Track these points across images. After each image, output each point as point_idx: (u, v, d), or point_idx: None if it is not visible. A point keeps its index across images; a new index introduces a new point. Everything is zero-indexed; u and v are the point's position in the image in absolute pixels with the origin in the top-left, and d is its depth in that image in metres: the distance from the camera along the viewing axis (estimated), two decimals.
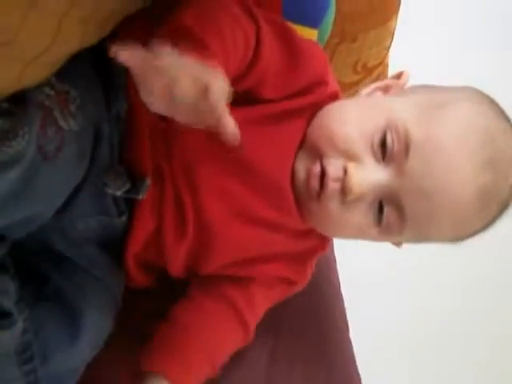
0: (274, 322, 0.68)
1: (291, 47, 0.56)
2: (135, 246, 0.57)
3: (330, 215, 0.57)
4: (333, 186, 0.54)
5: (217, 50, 0.46)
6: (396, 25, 0.80)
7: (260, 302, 0.65)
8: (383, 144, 0.55)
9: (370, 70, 0.80)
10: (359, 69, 0.80)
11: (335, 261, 0.81)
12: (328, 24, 0.66)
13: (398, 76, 0.63)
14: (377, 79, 0.83)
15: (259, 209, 0.58)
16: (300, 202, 0.58)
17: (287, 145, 0.58)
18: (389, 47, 0.81)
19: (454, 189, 0.54)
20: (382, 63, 0.81)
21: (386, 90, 0.62)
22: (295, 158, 0.58)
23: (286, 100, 0.57)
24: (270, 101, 0.57)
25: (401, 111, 0.56)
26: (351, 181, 0.54)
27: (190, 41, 0.45)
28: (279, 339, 0.71)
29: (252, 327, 0.64)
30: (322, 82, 0.59)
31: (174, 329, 0.62)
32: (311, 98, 0.58)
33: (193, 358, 0.60)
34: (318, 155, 0.56)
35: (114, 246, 0.57)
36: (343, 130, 0.56)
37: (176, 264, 0.60)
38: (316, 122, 0.58)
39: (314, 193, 0.56)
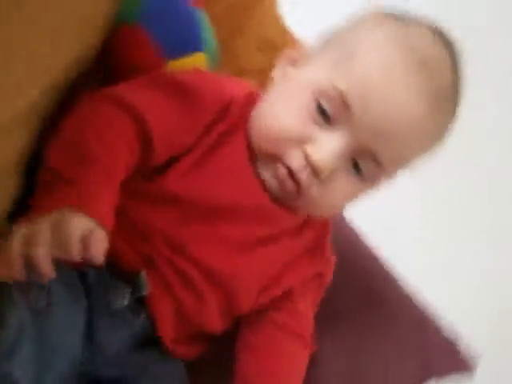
0: (329, 317, 0.68)
1: (181, 94, 0.57)
2: (168, 332, 0.58)
3: (318, 199, 0.57)
4: (304, 176, 0.55)
5: (89, 179, 0.48)
6: None
7: (305, 310, 0.65)
8: (323, 112, 0.55)
9: (279, 47, 0.79)
10: (267, 50, 0.79)
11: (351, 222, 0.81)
12: (210, 40, 0.65)
13: (295, 45, 0.63)
14: None
15: (252, 233, 0.59)
16: (285, 204, 0.59)
17: (238, 165, 0.58)
18: (281, 17, 0.81)
19: (407, 112, 0.54)
20: (287, 36, 0.80)
21: (293, 63, 0.61)
22: (257, 169, 0.58)
23: (206, 135, 0.57)
24: (192, 146, 0.57)
25: (320, 75, 0.56)
26: (316, 161, 0.54)
27: (57, 183, 0.47)
28: (342, 330, 0.71)
29: (309, 337, 0.65)
30: (228, 104, 0.58)
31: None
32: (228, 122, 0.58)
33: None
34: (273, 157, 0.57)
35: (151, 340, 0.58)
36: (278, 122, 0.56)
37: (214, 323, 0.61)
38: (251, 130, 0.59)
39: (294, 192, 0.57)
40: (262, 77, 0.70)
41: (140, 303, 0.56)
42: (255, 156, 0.58)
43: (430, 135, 0.58)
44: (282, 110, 0.57)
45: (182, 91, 0.57)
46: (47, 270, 0.41)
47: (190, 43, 0.63)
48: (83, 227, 0.43)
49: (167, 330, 0.57)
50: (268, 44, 0.79)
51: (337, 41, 0.59)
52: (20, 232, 0.43)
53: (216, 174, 0.57)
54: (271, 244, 0.60)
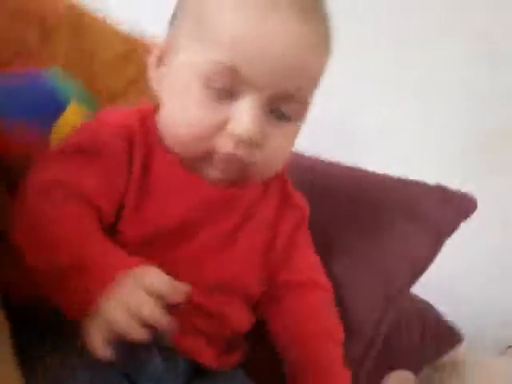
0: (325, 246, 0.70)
1: (90, 153, 0.55)
2: (208, 357, 0.58)
3: (265, 161, 0.58)
4: (242, 151, 0.55)
5: (96, 251, 0.48)
6: None
7: (302, 256, 0.66)
8: (219, 91, 0.54)
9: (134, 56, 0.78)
10: (124, 64, 0.77)
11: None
12: (73, 90, 0.65)
13: (151, 44, 0.61)
14: None
15: (226, 226, 0.59)
16: (239, 182, 0.59)
17: (173, 178, 0.58)
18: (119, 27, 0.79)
19: (290, 41, 0.53)
20: (134, 41, 0.78)
21: (161, 60, 0.59)
22: (198, 171, 0.58)
23: (131, 172, 0.56)
24: (126, 189, 0.56)
25: (194, 58, 0.55)
26: (242, 134, 0.54)
27: (72, 275, 0.46)
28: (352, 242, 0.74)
29: (319, 276, 0.66)
30: (131, 136, 0.57)
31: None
32: (141, 151, 0.57)
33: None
34: (204, 155, 0.56)
35: (198, 369, 0.58)
36: (186, 126, 0.56)
37: (243, 324, 0.62)
38: (169, 144, 0.58)
39: (241, 169, 0.57)
40: (133, 88, 0.69)
41: (172, 350, 0.55)
42: (188, 163, 0.58)
43: (320, 46, 0.57)
44: (181, 112, 0.56)
45: (90, 150, 0.55)
46: (165, 319, 0.43)
47: (56, 107, 0.63)
48: (158, 274, 0.46)
49: (206, 355, 0.58)
50: (121, 59, 0.77)
51: (186, 15, 0.57)
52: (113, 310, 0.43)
53: (160, 197, 0.56)
54: (248, 223, 0.61)
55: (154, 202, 0.56)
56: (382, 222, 0.76)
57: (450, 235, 0.76)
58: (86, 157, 0.55)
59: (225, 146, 0.55)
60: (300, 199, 0.67)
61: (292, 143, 0.61)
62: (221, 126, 0.55)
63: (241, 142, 0.54)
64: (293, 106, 0.57)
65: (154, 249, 0.55)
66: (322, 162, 0.84)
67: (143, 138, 0.57)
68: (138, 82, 0.63)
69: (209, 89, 0.54)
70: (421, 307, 0.86)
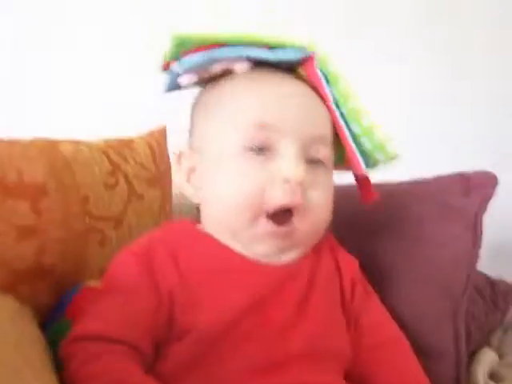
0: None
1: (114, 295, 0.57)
2: None
3: (313, 212, 0.60)
4: (290, 198, 0.57)
5: None
6: None
7: (375, 310, 0.67)
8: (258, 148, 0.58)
9: None
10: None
11: None
12: None
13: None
14: None
15: (295, 298, 0.60)
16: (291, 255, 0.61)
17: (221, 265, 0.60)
18: None
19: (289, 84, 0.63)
20: None
21: (192, 170, 0.64)
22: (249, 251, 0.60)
23: None
24: None
25: (224, 137, 0.59)
26: (291, 176, 0.57)
27: None
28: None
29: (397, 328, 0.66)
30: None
31: None
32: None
33: None
34: (253, 223, 0.58)
35: None
36: (236, 188, 0.58)
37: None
38: (215, 229, 0.62)
39: (289, 237, 0.59)
40: None
41: None
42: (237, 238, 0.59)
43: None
44: (230, 181, 0.58)
45: (118, 291, 0.58)
46: None
47: None
48: None
49: None
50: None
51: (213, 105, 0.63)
52: None
53: (213, 290, 0.58)
54: (315, 289, 0.61)
55: (208, 297, 0.57)
56: (415, 231, 0.75)
57: (482, 216, 0.75)
58: (117, 300, 0.55)
59: (276, 196, 0.56)
60: (348, 255, 0.68)
61: (331, 190, 0.62)
62: (268, 179, 0.57)
63: (290, 184, 0.56)
64: (322, 149, 0.60)
65: (225, 340, 0.55)
66: None
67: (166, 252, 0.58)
68: None
69: (248, 151, 0.58)
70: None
